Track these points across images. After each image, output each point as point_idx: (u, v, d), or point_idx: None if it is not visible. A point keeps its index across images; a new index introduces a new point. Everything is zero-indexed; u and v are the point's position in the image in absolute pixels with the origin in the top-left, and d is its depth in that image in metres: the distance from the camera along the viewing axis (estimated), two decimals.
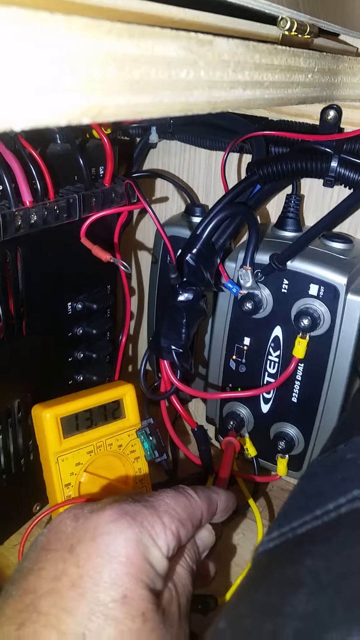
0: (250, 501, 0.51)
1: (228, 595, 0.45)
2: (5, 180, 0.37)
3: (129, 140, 0.56)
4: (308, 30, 0.33)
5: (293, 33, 0.32)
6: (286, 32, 0.31)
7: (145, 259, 0.64)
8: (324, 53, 0.31)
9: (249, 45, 0.22)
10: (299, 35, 0.33)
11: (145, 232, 0.63)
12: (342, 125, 0.45)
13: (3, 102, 0.13)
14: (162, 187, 0.60)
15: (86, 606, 0.29)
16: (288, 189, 0.49)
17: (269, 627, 0.14)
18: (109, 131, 0.46)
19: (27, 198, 0.39)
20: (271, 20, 0.31)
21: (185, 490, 0.37)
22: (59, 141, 0.44)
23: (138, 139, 0.56)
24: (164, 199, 0.59)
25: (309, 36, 0.34)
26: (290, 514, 0.20)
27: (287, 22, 0.31)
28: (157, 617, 0.30)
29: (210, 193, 0.56)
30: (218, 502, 0.39)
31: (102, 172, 0.48)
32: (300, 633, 0.14)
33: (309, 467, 0.24)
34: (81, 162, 0.44)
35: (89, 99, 0.15)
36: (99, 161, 0.47)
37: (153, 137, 0.54)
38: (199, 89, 0.20)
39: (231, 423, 0.52)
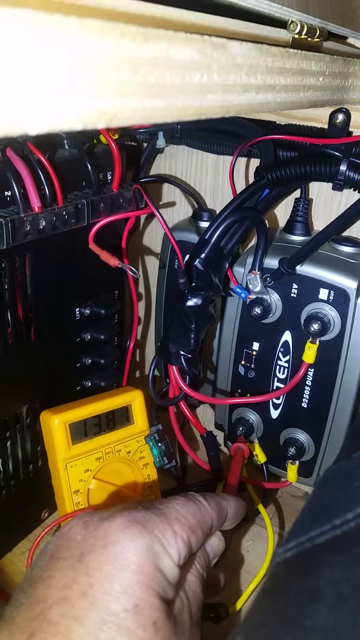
0: (260, 507, 0.51)
1: (239, 604, 0.44)
2: (14, 185, 0.37)
3: (136, 146, 0.56)
4: (318, 33, 0.33)
5: (303, 36, 0.32)
6: (296, 36, 0.31)
7: (152, 264, 0.64)
8: (335, 56, 0.31)
9: (261, 49, 0.22)
10: (309, 39, 0.33)
11: (153, 238, 0.63)
12: (350, 129, 0.45)
13: (17, 106, 0.13)
14: (169, 192, 0.60)
15: (97, 616, 0.29)
16: (296, 193, 0.49)
17: None
18: (116, 136, 0.46)
19: (35, 204, 0.39)
20: (281, 24, 0.31)
21: (195, 497, 0.36)
22: (66, 147, 0.44)
23: (145, 144, 0.55)
24: (172, 204, 0.59)
25: (318, 39, 0.33)
26: (307, 524, 0.20)
27: (297, 25, 0.31)
28: (168, 626, 0.30)
29: (217, 198, 0.56)
30: (228, 509, 0.38)
31: (109, 177, 0.47)
32: None
33: (324, 475, 0.24)
34: (89, 167, 0.43)
35: (103, 103, 0.15)
36: (106, 166, 0.47)
37: (160, 142, 0.53)
38: (212, 92, 0.19)
39: (240, 429, 0.51)
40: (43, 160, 0.39)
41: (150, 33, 0.16)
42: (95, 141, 0.47)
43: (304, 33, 0.31)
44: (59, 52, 0.13)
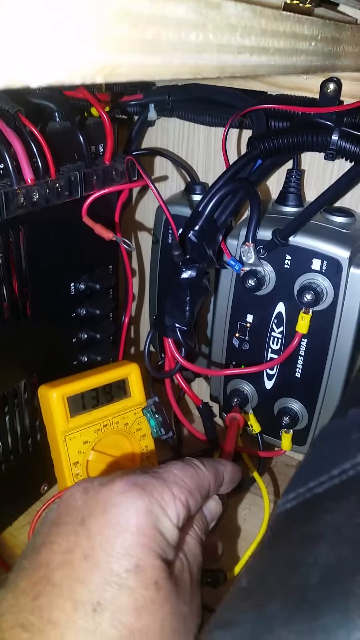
0: (256, 475, 0.52)
1: (237, 569, 0.46)
2: (7, 158, 0.37)
3: (127, 119, 0.56)
4: None
5: (295, 1, 0.31)
6: (288, 0, 0.31)
7: (145, 239, 0.64)
8: (327, 21, 0.31)
9: (255, 10, 0.22)
10: (300, 4, 0.32)
11: (145, 213, 0.63)
12: (342, 98, 0.45)
13: (19, 59, 0.13)
14: (161, 166, 0.59)
15: (100, 577, 0.29)
16: (288, 164, 0.49)
17: (293, 578, 0.15)
18: (107, 108, 0.46)
19: (28, 176, 0.38)
20: None
21: (192, 461, 0.37)
22: (58, 119, 0.44)
23: (136, 117, 0.55)
24: (164, 178, 0.59)
25: (310, 5, 0.33)
26: (306, 475, 0.20)
27: None
28: (169, 586, 0.31)
29: (209, 170, 0.56)
30: (224, 473, 0.39)
31: (101, 150, 0.47)
32: (326, 579, 0.14)
33: (320, 432, 0.24)
34: (81, 139, 0.43)
35: (102, 57, 0.15)
36: (98, 139, 0.47)
37: (151, 114, 0.53)
38: (208, 52, 0.19)
39: (235, 400, 0.52)
40: (35, 132, 0.39)
41: None
42: (86, 114, 0.47)
43: None
44: (60, 3, 0.14)
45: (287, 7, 0.31)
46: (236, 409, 0.52)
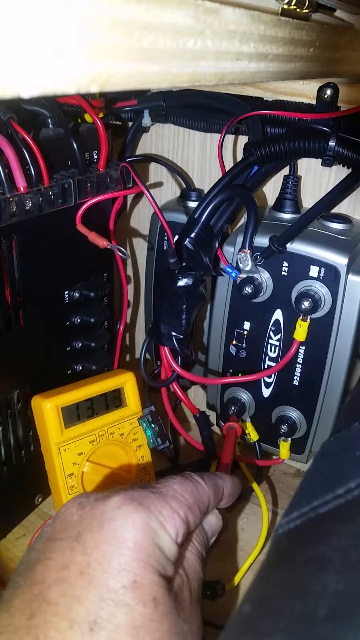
0: (254, 485, 0.51)
1: (236, 580, 0.45)
2: None
3: (121, 125, 0.55)
4: (307, 4, 0.32)
5: (292, 7, 0.31)
6: (285, 6, 0.31)
7: (140, 246, 0.63)
8: (325, 26, 0.31)
9: (253, 16, 0.22)
10: (298, 10, 0.32)
11: (140, 220, 0.62)
12: (338, 104, 0.44)
13: (10, 68, 0.13)
14: (156, 172, 0.59)
15: (96, 594, 0.29)
16: (285, 170, 0.49)
17: (300, 607, 0.14)
18: (101, 115, 0.46)
19: (21, 184, 0.38)
20: None
21: (191, 476, 0.36)
22: (51, 126, 0.43)
23: (130, 123, 0.54)
24: (159, 184, 0.59)
25: (307, 10, 0.33)
26: (309, 494, 0.20)
27: None
28: (168, 602, 0.30)
29: (205, 177, 0.55)
30: (224, 487, 0.38)
31: (95, 157, 0.47)
32: (335, 611, 0.13)
33: (323, 446, 0.24)
34: (75, 146, 0.43)
35: (97, 66, 0.14)
36: (92, 146, 0.46)
37: (146, 120, 0.53)
38: (206, 59, 0.19)
39: (232, 408, 0.52)
40: (28, 139, 0.38)
41: None
42: (79, 120, 0.46)
43: (293, 3, 0.30)
44: (53, 12, 0.13)
45: (285, 13, 0.31)
46: (233, 418, 0.51)
